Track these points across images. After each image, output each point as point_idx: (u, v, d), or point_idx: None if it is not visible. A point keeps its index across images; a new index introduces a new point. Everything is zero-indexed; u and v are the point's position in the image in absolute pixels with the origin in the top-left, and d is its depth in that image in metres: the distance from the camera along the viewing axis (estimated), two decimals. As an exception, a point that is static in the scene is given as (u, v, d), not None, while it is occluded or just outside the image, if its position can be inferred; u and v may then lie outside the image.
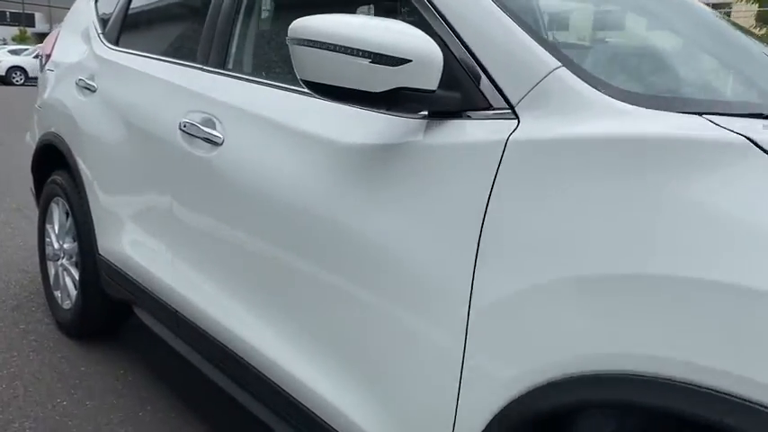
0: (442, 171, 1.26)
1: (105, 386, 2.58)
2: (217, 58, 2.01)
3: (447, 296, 1.20)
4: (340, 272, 1.44)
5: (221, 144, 1.81)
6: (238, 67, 2.00)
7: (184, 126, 1.95)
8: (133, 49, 2.54)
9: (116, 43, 2.67)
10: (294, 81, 1.74)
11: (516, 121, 1.19)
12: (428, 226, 1.24)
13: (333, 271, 1.46)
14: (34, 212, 5.24)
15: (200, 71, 2.04)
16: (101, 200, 2.51)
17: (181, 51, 2.33)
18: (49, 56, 3.20)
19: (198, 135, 1.89)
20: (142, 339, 2.97)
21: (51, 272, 3.10)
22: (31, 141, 3.26)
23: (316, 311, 1.53)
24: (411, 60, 1.22)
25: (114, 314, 2.87)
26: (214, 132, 1.84)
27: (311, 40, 1.25)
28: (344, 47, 1.22)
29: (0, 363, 2.72)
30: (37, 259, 4.01)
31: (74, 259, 2.90)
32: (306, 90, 1.64)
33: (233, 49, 2.00)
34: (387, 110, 1.28)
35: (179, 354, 2.24)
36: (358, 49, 1.22)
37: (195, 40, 2.19)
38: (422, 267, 1.24)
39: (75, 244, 2.80)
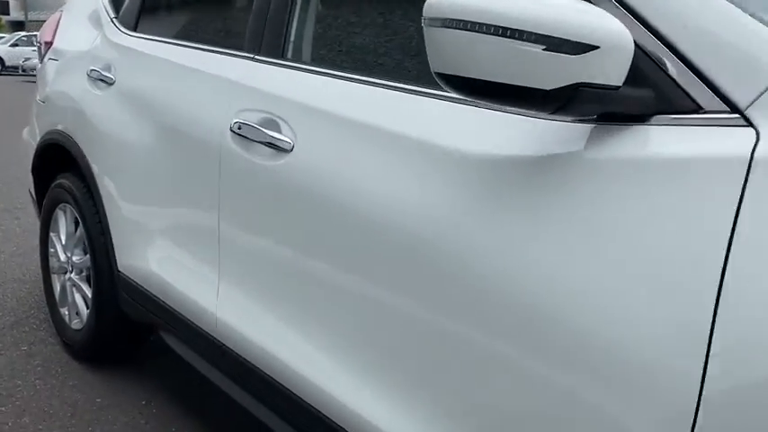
0: (634, 195, 0.95)
1: (127, 420, 2.26)
2: (271, 45, 1.69)
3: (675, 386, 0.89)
4: (472, 324, 1.13)
5: (291, 150, 1.49)
6: (300, 56, 1.68)
7: (238, 128, 1.62)
8: (157, 36, 2.20)
9: (134, 29, 2.33)
10: (386, 74, 1.42)
11: (752, 130, 0.88)
12: (631, 277, 0.93)
13: (460, 321, 1.15)
14: (24, 213, 4.90)
15: (250, 61, 1.72)
16: (121, 210, 2.18)
17: (219, 38, 2.00)
18: (49, 44, 2.85)
19: (257, 139, 1.57)
20: (163, 363, 2.65)
21: (56, 286, 2.77)
22: (30, 139, 2.90)
23: (438, 372, 1.21)
24: (598, 47, 0.91)
25: (132, 336, 2.54)
26: (280, 136, 1.52)
27: (460, 21, 0.94)
28: (510, 29, 0.91)
29: (3, 394, 2.38)
30: (33, 266, 3.66)
31: (84, 274, 2.57)
32: (400, 85, 1.35)
33: (292, 34, 1.67)
34: (555, 113, 0.98)
35: (209, 381, 1.93)
36: (530, 33, 0.91)
37: (239, 23, 1.86)
38: (632, 342, 0.93)
39: (87, 257, 2.47)
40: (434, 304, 1.20)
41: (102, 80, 2.29)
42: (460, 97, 1.08)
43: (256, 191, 1.58)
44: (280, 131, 1.52)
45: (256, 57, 1.71)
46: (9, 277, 3.51)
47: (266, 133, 1.54)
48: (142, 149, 2.04)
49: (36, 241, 4.14)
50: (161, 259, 2.02)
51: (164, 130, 1.95)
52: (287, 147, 1.49)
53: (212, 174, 1.72)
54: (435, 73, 1.00)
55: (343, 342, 1.41)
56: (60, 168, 2.68)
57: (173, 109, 1.91)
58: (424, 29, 0.99)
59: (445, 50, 0.97)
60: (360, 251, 1.33)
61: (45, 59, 2.83)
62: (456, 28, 0.95)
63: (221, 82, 1.75)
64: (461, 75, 0.97)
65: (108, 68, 2.28)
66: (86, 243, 2.45)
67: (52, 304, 2.80)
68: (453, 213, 1.16)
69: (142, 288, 2.14)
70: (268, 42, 1.70)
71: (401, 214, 1.24)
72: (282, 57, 1.67)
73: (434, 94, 1.27)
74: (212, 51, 1.89)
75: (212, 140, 1.72)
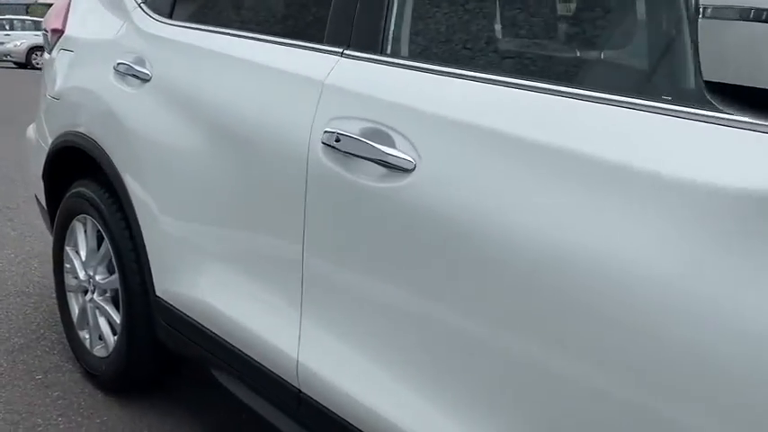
0: None
1: (168, 466, 1.98)
2: (366, 37, 1.40)
3: None
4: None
5: (412, 170, 1.20)
6: (406, 52, 1.39)
7: (335, 140, 1.33)
8: (199, 24, 1.89)
9: (169, 16, 2.01)
10: (541, 74, 1.14)
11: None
12: None
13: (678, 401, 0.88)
14: (17, 214, 4.52)
15: (338, 57, 1.42)
16: (162, 227, 1.88)
17: (283, 27, 1.70)
18: (58, 31, 2.51)
19: (363, 155, 1.28)
20: (201, 394, 2.35)
21: (74, 307, 2.46)
22: (38, 140, 2.58)
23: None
24: None
25: (166, 365, 2.25)
26: (396, 152, 1.23)
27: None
28: None
29: (22, 436, 2.08)
30: (36, 276, 3.34)
31: (109, 295, 2.27)
32: (568, 90, 1.07)
33: (392, 24, 1.38)
34: None
35: (268, 424, 1.65)
36: None
37: (315, 9, 1.56)
38: None
39: (114, 277, 2.16)
40: (633, 377, 0.93)
41: (133, 75, 1.97)
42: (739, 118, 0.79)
43: (362, 217, 1.29)
44: (393, 146, 1.23)
45: (346, 51, 1.42)
46: (11, 289, 3.19)
47: (376, 148, 1.25)
48: (192, 158, 1.74)
49: (35, 245, 3.81)
50: (216, 287, 1.73)
51: (223, 138, 1.65)
52: (407, 165, 1.21)
53: (294, 193, 1.43)
54: (708, 82, 0.72)
55: (483, 408, 1.14)
56: (78, 174, 2.36)
57: (235, 113, 1.61)
58: (700, 22, 0.71)
59: (729, 53, 0.69)
60: (512, 298, 1.06)
61: (55, 50, 2.50)
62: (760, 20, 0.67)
63: (301, 82, 1.46)
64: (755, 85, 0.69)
65: (140, 62, 1.97)
66: (114, 262, 2.14)
67: (69, 326, 2.50)
68: (690, 256, 0.88)
69: (188, 318, 1.85)
70: (361, 34, 1.40)
71: (591, 258, 0.96)
72: (381, 52, 1.37)
73: (623, 103, 0.99)
74: (279, 44, 1.59)
75: (295, 153, 1.42)
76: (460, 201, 1.14)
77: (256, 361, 1.62)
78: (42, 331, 2.78)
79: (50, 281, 3.30)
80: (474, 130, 1.13)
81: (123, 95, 2.00)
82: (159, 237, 1.90)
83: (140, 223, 1.96)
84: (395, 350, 1.28)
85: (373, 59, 1.37)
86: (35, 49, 19.63)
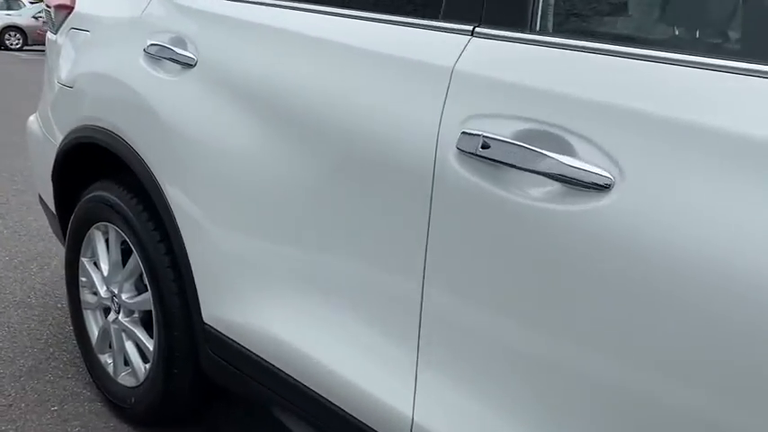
0: None
1: None
2: (505, 10, 1.08)
3: None
4: None
5: (609, 188, 0.90)
6: (564, 26, 1.07)
7: (483, 146, 1.01)
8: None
9: (214, -14, 1.67)
10: None
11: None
12: None
13: None
14: (8, 210, 4.11)
15: (467, 36, 1.11)
16: (215, 242, 1.56)
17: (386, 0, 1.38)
18: (66, 8, 2.16)
19: (526, 166, 0.97)
20: (238, 424, 2.05)
21: (92, 326, 2.14)
22: (44, 133, 2.23)
23: None
24: None
25: (208, 396, 1.94)
26: (582, 164, 0.92)
27: None
28: None
29: (44, 486, 1.77)
30: (37, 282, 3.00)
31: (137, 316, 1.95)
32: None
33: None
34: None
35: None
36: None
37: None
38: None
39: (146, 297, 1.84)
40: None
41: (172, 60, 1.64)
42: None
43: (520, 246, 0.98)
44: (576, 155, 0.93)
45: (479, 29, 1.10)
46: (10, 300, 2.84)
47: (551, 159, 0.94)
48: (258, 162, 1.42)
49: (31, 246, 3.46)
50: (292, 321, 1.42)
51: (301, 139, 1.33)
52: (601, 182, 0.90)
53: (413, 211, 1.12)
54: None
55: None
56: (96, 174, 2.03)
57: (319, 109, 1.29)
58: None
59: None
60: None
61: (64, 29, 2.15)
62: None
63: (418, 70, 1.14)
64: None
65: (180, 44, 1.63)
66: (146, 279, 1.82)
67: (86, 347, 2.18)
68: None
69: (248, 352, 1.54)
70: (500, 5, 1.09)
71: None
72: (530, 28, 1.06)
73: None
74: (378, 21, 1.27)
75: (413, 161, 1.11)
76: (667, 225, 0.84)
77: (348, 413, 1.32)
78: (52, 350, 2.45)
79: (53, 288, 2.97)
80: (684, 130, 0.83)
81: (158, 84, 1.66)
82: (210, 254, 1.58)
83: (183, 236, 1.64)
84: (555, 418, 0.99)
85: (521, 39, 1.05)
86: (9, 28, 18.93)
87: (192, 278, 1.65)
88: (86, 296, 2.13)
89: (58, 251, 3.39)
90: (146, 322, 1.94)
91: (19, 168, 5.08)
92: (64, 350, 2.45)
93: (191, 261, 1.64)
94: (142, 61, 1.73)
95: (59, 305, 2.81)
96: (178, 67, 1.62)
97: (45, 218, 3.88)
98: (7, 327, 2.60)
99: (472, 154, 1.03)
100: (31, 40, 18.87)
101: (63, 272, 3.13)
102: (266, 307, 1.47)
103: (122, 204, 1.86)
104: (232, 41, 1.52)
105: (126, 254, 1.92)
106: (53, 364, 2.36)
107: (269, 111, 1.40)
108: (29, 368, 2.32)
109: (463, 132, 1.04)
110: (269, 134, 1.40)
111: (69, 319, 2.65)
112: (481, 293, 1.06)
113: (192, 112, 1.56)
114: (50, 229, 3.69)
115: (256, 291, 1.49)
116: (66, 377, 2.28)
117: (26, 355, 2.40)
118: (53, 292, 2.94)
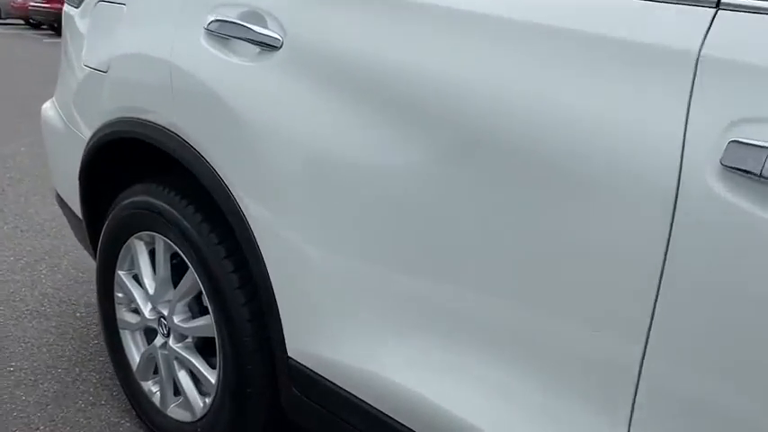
0: None
1: None
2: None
3: None
4: None
5: None
6: None
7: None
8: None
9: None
10: None
11: None
12: None
13: None
14: (5, 201, 3.76)
15: (709, 8, 0.83)
16: (307, 264, 1.27)
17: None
18: (90, -23, 1.84)
19: None
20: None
21: (132, 349, 1.85)
22: (71, 127, 1.92)
23: None
24: None
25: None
26: None
27: None
28: None
29: None
30: (48, 286, 2.69)
31: (191, 341, 1.66)
32: None
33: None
34: None
35: None
36: None
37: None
38: None
39: (205, 322, 1.56)
40: None
41: (247, 40, 1.33)
42: None
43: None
44: None
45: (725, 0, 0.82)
46: (22, 309, 2.54)
47: None
48: (376, 171, 1.13)
49: (36, 243, 3.14)
50: (417, 366, 1.14)
51: (455, 146, 1.03)
52: None
53: (635, 244, 0.84)
54: None
55: None
56: (136, 175, 1.74)
57: (490, 110, 1.00)
58: None
59: None
60: None
61: (89, 2, 1.82)
62: None
63: (636, 54, 0.85)
64: None
65: (258, 20, 1.33)
66: (207, 302, 1.53)
67: (124, 371, 1.89)
68: None
69: (353, 397, 1.27)
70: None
71: None
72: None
73: None
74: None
75: (640, 180, 0.83)
76: None
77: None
78: (78, 370, 2.16)
79: (67, 294, 2.67)
80: None
81: (229, 70, 1.36)
82: (303, 278, 1.29)
83: (264, 255, 1.35)
84: None
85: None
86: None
87: (274, 304, 1.36)
88: (124, 314, 1.84)
89: (67, 249, 3.08)
90: (201, 348, 1.67)
91: (10, 154, 4.73)
92: (91, 370, 2.16)
93: (273, 284, 1.35)
94: (203, 41, 1.42)
95: (77, 314, 2.51)
96: (256, 49, 1.31)
97: (47, 210, 3.58)
98: (23, 342, 2.30)
99: (740, 171, 0.75)
100: (5, 13, 18.12)
101: (75, 273, 2.85)
102: (381, 348, 1.20)
103: (174, 212, 1.56)
104: (335, 15, 1.21)
105: (179, 269, 1.63)
106: (81, 387, 2.07)
107: (389, 107, 1.10)
108: (54, 394, 2.03)
109: (733, 141, 0.76)
110: (389, 136, 1.11)
111: (90, 331, 2.37)
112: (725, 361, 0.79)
113: (280, 107, 1.26)
114: (54, 224, 3.39)
115: (366, 327, 1.21)
116: (99, 404, 2.00)
117: (50, 377, 2.11)
118: (68, 298, 2.64)
